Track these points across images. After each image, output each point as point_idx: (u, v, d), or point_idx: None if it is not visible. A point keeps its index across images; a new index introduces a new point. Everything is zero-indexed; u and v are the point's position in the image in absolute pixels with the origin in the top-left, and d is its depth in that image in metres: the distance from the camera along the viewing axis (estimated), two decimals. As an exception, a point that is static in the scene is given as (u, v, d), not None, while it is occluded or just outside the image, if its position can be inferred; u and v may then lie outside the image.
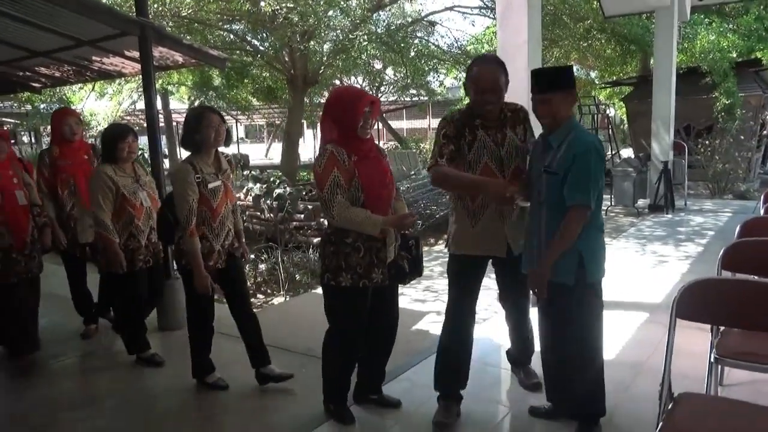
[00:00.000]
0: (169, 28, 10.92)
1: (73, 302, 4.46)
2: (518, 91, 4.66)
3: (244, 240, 3.53)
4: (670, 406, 2.16)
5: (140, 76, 4.52)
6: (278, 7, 9.50)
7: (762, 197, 4.65)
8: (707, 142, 11.21)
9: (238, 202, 3.62)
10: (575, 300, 2.62)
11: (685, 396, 2.20)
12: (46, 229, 4.05)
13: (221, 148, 3.35)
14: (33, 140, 23.00)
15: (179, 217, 3.12)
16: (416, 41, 13.44)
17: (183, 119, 3.13)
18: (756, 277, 2.85)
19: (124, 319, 3.90)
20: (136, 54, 4.86)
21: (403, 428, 2.99)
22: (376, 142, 3.00)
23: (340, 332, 2.88)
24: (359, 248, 2.71)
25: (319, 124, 3.23)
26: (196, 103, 19.98)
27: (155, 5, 9.94)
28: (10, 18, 4.33)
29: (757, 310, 2.21)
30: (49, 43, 4.95)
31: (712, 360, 2.63)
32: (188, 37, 11.45)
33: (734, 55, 12.41)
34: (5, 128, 4.35)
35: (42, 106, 16.49)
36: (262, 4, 9.67)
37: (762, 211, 4.27)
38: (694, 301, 2.28)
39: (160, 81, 15.84)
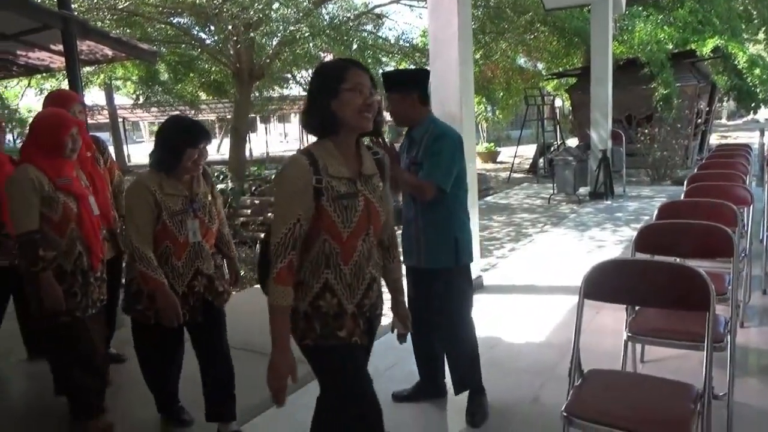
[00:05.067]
0: (107, 22, 10.63)
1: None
2: (450, 84, 4.72)
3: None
4: (579, 382, 2.26)
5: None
6: (215, 0, 9.34)
7: (686, 181, 4.86)
8: (646, 131, 11.58)
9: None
10: (452, 280, 2.81)
11: (593, 372, 2.30)
12: (115, 240, 3.15)
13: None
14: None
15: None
16: (364, 34, 13.43)
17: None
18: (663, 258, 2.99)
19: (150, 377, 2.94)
20: (62, 48, 4.72)
21: None
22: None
23: None
24: None
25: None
26: (141, 99, 19.49)
27: (90, -3, 9.63)
28: None
29: (658, 289, 2.32)
30: (-32, 37, 4.75)
31: (625, 338, 2.76)
32: (128, 31, 11.17)
33: (670, 47, 12.85)
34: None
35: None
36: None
37: (683, 195, 4.46)
38: (601, 282, 2.37)
39: (102, 76, 15.41)
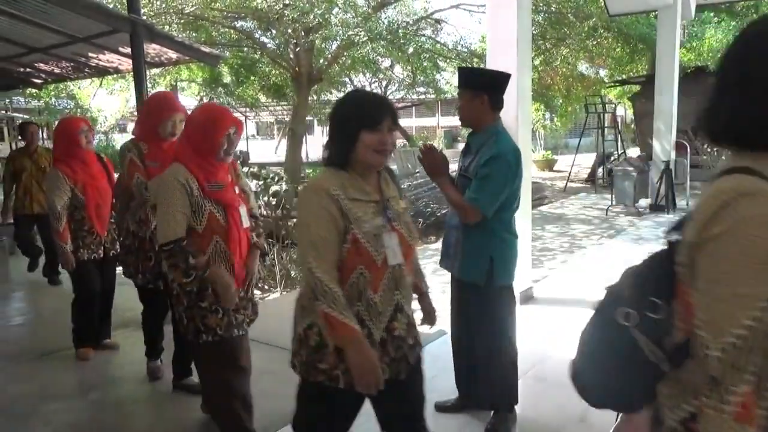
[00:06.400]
0: (175, 26, 11.04)
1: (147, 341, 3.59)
2: (508, 92, 4.62)
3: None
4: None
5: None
6: (276, 5, 9.56)
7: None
8: (714, 142, 11.10)
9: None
10: (485, 299, 2.70)
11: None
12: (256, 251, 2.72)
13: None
14: (46, 135, 23.32)
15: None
16: (422, 39, 13.44)
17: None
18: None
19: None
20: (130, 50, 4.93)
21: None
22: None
23: None
24: None
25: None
26: (205, 100, 20.14)
27: (157, 2, 10.03)
28: (3, 15, 4.40)
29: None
30: (44, 40, 5.03)
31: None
32: (194, 34, 11.58)
33: (743, 55, 12.28)
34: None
35: (53, 101, 16.72)
36: (259, 0, 9.71)
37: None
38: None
39: (168, 77, 16.02)
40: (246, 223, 2.54)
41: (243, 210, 2.53)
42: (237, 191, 2.56)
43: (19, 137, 6.24)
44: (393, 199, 1.88)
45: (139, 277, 3.20)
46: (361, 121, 1.76)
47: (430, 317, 2.17)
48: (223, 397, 2.59)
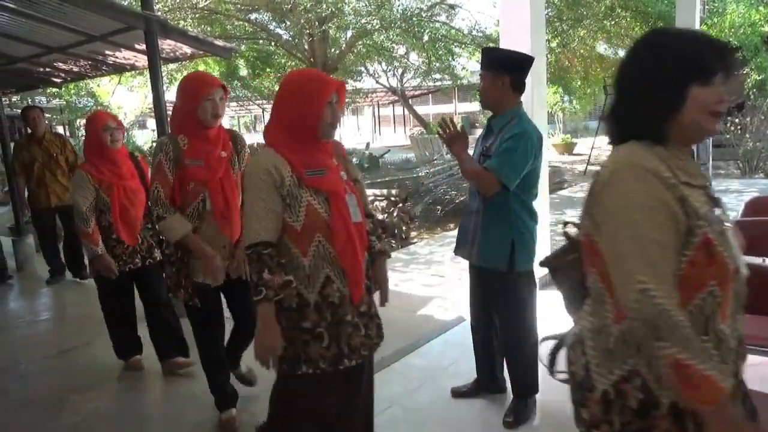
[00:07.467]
0: (190, 21, 11.11)
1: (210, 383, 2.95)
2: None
3: None
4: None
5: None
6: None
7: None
8: (737, 120, 10.88)
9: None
10: (506, 285, 2.70)
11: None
12: (383, 258, 2.23)
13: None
14: (68, 134, 23.70)
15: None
16: (436, 25, 13.34)
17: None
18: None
19: None
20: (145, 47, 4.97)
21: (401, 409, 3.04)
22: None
23: None
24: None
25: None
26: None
27: (173, -2, 10.12)
28: (20, 15, 4.47)
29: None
30: (62, 39, 5.08)
31: (702, 342, 2.60)
32: (208, 29, 11.65)
33: (766, 29, 12.00)
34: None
35: (73, 99, 16.96)
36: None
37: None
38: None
39: (185, 73, 16.15)
40: (357, 216, 1.96)
41: (352, 200, 1.96)
42: (345, 178, 2.02)
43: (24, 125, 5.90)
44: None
45: (181, 292, 2.71)
46: (693, 71, 1.22)
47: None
48: None
